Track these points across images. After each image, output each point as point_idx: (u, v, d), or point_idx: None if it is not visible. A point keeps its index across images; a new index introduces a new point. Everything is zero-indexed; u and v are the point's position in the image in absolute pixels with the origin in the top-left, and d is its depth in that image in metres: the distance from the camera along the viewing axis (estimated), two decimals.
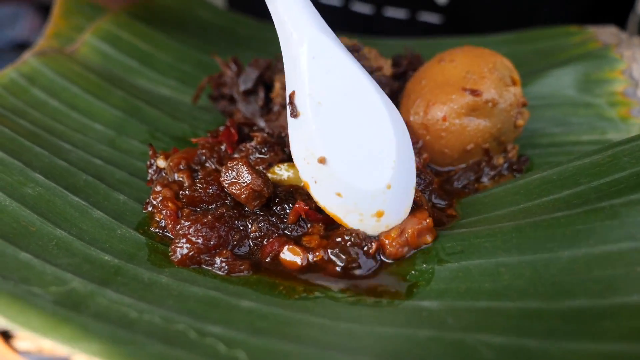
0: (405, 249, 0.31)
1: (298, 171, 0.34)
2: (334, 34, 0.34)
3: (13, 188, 0.34)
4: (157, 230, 0.34)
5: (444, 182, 0.42)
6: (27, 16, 0.99)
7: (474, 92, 0.41)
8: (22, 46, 0.94)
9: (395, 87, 0.47)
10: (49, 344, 0.23)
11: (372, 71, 0.46)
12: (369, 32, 0.70)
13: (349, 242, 0.31)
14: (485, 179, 0.43)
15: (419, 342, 0.25)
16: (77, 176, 0.37)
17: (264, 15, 0.70)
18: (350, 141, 0.32)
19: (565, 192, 0.34)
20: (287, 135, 0.42)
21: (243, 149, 0.40)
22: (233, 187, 0.32)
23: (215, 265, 0.31)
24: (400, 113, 0.43)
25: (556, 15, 0.67)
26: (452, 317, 0.27)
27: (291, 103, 0.34)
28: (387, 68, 0.47)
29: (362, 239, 0.31)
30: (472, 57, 0.43)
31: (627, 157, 0.34)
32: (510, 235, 0.31)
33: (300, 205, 0.32)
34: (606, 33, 0.58)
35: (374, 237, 0.32)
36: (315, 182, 0.33)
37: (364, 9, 0.71)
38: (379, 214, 0.32)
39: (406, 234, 0.31)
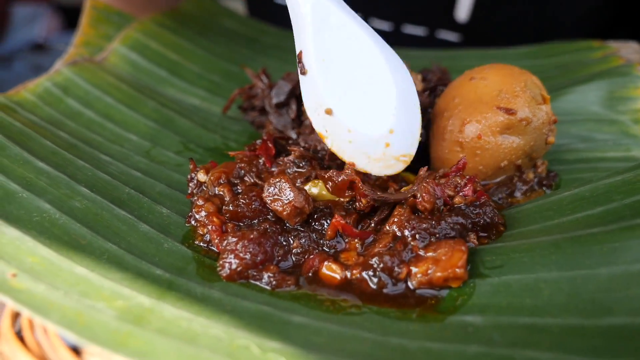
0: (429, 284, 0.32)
1: (327, 188, 0.36)
2: None
3: (62, 201, 0.35)
4: (201, 244, 0.35)
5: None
6: (45, 17, 1.01)
7: (509, 111, 0.42)
8: (39, 47, 0.95)
9: (427, 103, 0.47)
10: (118, 359, 0.24)
11: None
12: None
13: (380, 267, 0.31)
14: (517, 194, 0.44)
15: (468, 358, 0.26)
16: (120, 189, 0.38)
17: (284, 24, 0.72)
18: (353, 93, 0.36)
19: (598, 208, 0.35)
20: (323, 149, 0.43)
21: (281, 162, 0.41)
22: (275, 204, 0.33)
23: (264, 280, 0.31)
24: (433, 129, 0.45)
25: (574, 34, 0.68)
26: (498, 332, 0.28)
27: (300, 62, 0.38)
28: (418, 83, 0.48)
29: (393, 263, 0.32)
30: (504, 76, 0.44)
31: None
32: (549, 251, 0.32)
33: (337, 220, 0.33)
34: (628, 49, 0.59)
35: (406, 260, 0.32)
36: (327, 131, 0.37)
37: (383, 25, 0.73)
38: (374, 159, 0.37)
39: (433, 274, 0.31)
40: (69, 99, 0.49)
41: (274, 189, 0.34)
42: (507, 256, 0.33)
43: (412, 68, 0.64)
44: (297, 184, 0.38)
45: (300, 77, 0.38)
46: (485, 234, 0.36)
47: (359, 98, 0.36)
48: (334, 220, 0.33)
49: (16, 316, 0.26)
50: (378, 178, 0.41)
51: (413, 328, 0.29)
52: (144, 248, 0.34)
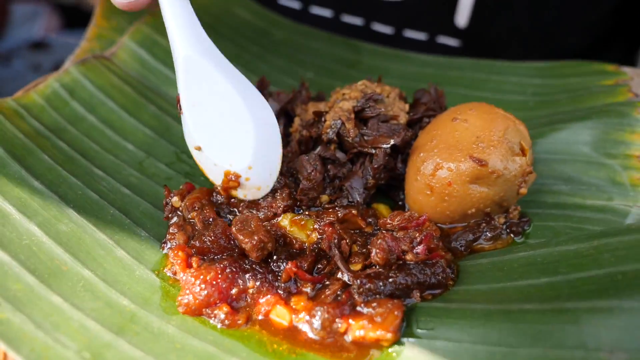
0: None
1: (298, 226, 0.39)
2: (210, 47, 0.44)
3: (50, 225, 0.39)
4: (170, 273, 0.39)
5: (443, 239, 0.44)
6: (44, 15, 1.01)
7: (480, 162, 0.42)
8: (38, 45, 0.95)
9: (409, 136, 0.48)
10: None
11: (387, 120, 0.48)
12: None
13: (323, 318, 0.34)
14: (482, 241, 0.45)
15: None
16: (105, 210, 0.42)
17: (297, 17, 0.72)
18: (218, 134, 0.43)
19: (543, 279, 0.36)
20: (308, 180, 0.45)
21: None
22: (241, 235, 0.37)
23: (217, 319, 0.35)
24: (409, 165, 0.46)
25: (573, 39, 0.66)
26: None
27: (178, 103, 0.44)
28: (403, 116, 0.48)
29: (334, 316, 0.34)
30: (485, 121, 0.44)
31: (608, 253, 0.36)
32: (479, 322, 0.34)
33: (292, 266, 0.36)
34: None
35: (346, 313, 0.35)
36: (200, 162, 0.45)
37: (385, 30, 0.72)
38: (256, 188, 0.44)
39: (366, 332, 0.34)
40: (74, 102, 0.52)
41: (243, 223, 0.37)
42: (440, 320, 0.35)
43: (412, 77, 0.64)
44: (266, 220, 0.41)
45: (181, 117, 0.45)
46: (433, 291, 0.38)
47: (223, 139, 0.43)
48: (287, 267, 0.36)
49: None
50: (346, 213, 0.43)
51: None
52: (117, 275, 0.38)
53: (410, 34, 0.73)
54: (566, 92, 0.59)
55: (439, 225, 0.45)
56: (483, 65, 0.65)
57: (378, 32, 0.72)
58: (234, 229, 0.37)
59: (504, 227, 0.45)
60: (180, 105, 0.44)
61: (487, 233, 0.45)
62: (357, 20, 0.74)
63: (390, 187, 0.49)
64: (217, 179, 0.44)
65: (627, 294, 0.32)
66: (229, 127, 0.43)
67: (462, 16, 0.70)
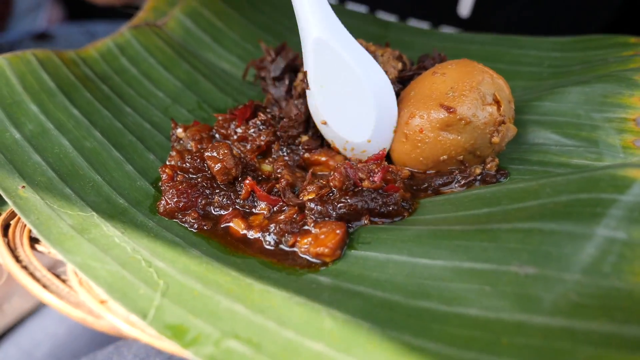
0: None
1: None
2: (338, 27, 0.46)
3: (77, 140, 0.48)
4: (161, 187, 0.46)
5: (414, 184, 0.47)
6: (47, 7, 1.05)
7: (449, 110, 0.44)
8: (41, 36, 0.95)
9: (397, 90, 0.51)
10: (54, 251, 0.36)
11: None
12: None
13: (274, 232, 0.39)
14: (455, 186, 0.47)
15: (288, 303, 0.33)
16: (125, 136, 0.50)
17: None
18: (343, 110, 0.47)
19: (484, 209, 0.38)
20: (289, 119, 0.51)
21: (251, 124, 0.49)
22: (211, 161, 0.43)
23: (187, 222, 0.41)
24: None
25: (575, 29, 0.64)
26: (330, 292, 0.35)
27: (305, 78, 0.48)
28: (393, 72, 0.52)
29: (285, 232, 0.39)
30: (462, 73, 0.46)
31: (550, 188, 0.37)
32: (408, 238, 0.37)
33: (250, 182, 0.41)
34: None
35: (296, 231, 0.39)
36: (325, 134, 0.49)
37: (389, 17, 0.76)
38: (363, 152, 0.48)
39: (310, 247, 0.38)
40: (123, 57, 0.62)
41: (215, 151, 0.43)
42: (376, 236, 0.38)
43: (433, 50, 0.67)
44: (251, 152, 0.47)
45: (307, 91, 0.49)
46: (385, 219, 0.41)
47: (346, 116, 0.47)
48: (246, 182, 0.42)
49: (13, 213, 0.40)
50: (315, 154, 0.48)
51: (274, 276, 0.37)
52: (122, 183, 0.45)
53: (413, 22, 0.76)
54: (582, 63, 0.59)
55: (414, 171, 0.48)
56: (505, 40, 0.66)
57: (382, 20, 0.76)
58: (205, 154, 0.43)
59: (479, 177, 0.47)
60: (307, 81, 0.48)
61: (460, 180, 0.46)
62: (361, 8, 0.78)
63: None
64: (340, 147, 0.49)
65: (548, 218, 0.34)
66: (352, 105, 0.47)
67: (465, 6, 0.71)
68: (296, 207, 0.41)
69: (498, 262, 0.33)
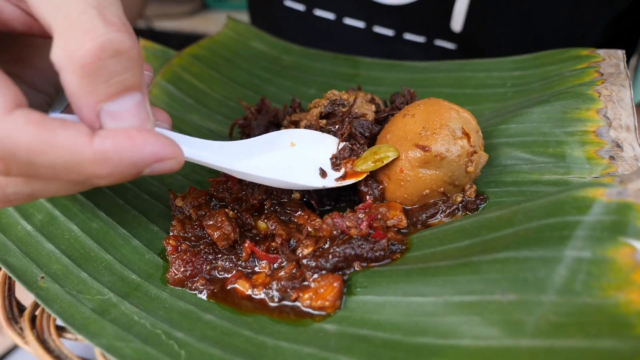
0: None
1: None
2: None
3: (84, 223, 0.51)
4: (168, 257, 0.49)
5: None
6: None
7: (424, 148, 0.48)
8: None
9: (376, 131, 0.55)
10: (81, 337, 0.39)
11: (357, 117, 0.55)
12: (390, 53, 0.78)
13: (277, 289, 0.42)
14: (440, 216, 0.50)
15: (300, 355, 0.36)
16: (128, 212, 0.54)
17: (286, 29, 0.82)
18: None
19: (465, 241, 0.42)
20: None
21: (244, 183, 0.53)
22: (210, 229, 0.46)
23: (197, 290, 0.45)
24: None
25: (566, 40, 0.68)
26: (336, 339, 0.38)
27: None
28: (370, 114, 0.56)
29: (287, 288, 0.42)
30: (430, 113, 0.50)
31: (521, 215, 0.40)
32: (401, 278, 0.40)
33: (249, 245, 0.45)
34: (612, 60, 0.59)
35: (297, 286, 0.42)
36: None
37: (386, 32, 0.80)
38: None
39: (311, 302, 0.41)
40: None
41: (212, 219, 0.47)
42: (372, 279, 0.42)
43: (405, 83, 0.71)
44: (246, 210, 0.51)
45: None
46: (377, 263, 0.44)
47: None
48: (245, 245, 0.45)
49: (37, 304, 0.43)
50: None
51: (282, 330, 0.40)
52: (131, 258, 0.49)
53: (409, 36, 0.80)
54: (541, 80, 0.63)
55: (404, 207, 0.52)
56: (468, 65, 0.70)
57: (379, 34, 0.79)
58: (204, 222, 0.47)
59: (460, 205, 0.50)
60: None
61: (444, 210, 0.50)
62: (359, 24, 0.82)
63: None
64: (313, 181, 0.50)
65: (522, 245, 0.37)
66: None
67: (457, 22, 0.76)
68: (294, 262, 0.44)
69: (482, 292, 0.36)
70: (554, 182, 0.50)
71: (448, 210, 0.50)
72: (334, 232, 0.44)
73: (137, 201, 0.56)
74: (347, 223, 0.45)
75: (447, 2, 0.74)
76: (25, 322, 0.40)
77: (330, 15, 0.84)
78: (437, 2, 0.75)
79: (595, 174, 0.50)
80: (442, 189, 0.50)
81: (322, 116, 0.55)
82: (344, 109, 0.55)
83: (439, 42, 0.79)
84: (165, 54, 0.79)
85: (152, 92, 0.73)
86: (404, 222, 0.48)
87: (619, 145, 0.51)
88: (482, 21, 0.74)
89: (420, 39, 0.79)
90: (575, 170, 0.51)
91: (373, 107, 0.57)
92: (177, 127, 0.68)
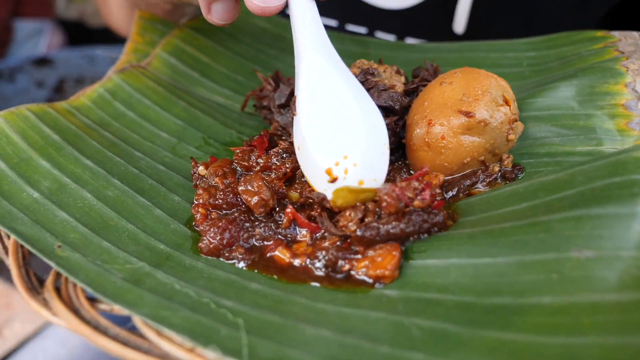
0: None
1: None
2: (331, 53, 0.47)
3: (99, 191, 0.46)
4: (196, 227, 0.45)
5: (445, 190, 0.49)
6: (48, 32, 1.07)
7: (468, 114, 0.47)
8: (41, 61, 1.00)
9: (406, 103, 0.53)
10: (118, 307, 0.34)
11: (386, 89, 0.53)
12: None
13: (326, 259, 0.39)
14: (480, 186, 0.49)
15: (368, 320, 0.34)
16: (144, 181, 0.49)
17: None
18: (329, 135, 0.45)
19: (524, 204, 0.41)
20: None
21: (271, 153, 0.50)
22: (246, 194, 0.43)
23: (235, 260, 0.41)
24: (407, 128, 0.51)
25: None
26: (403, 303, 0.35)
27: (294, 104, 0.46)
28: (400, 85, 0.54)
29: (337, 258, 0.39)
30: (469, 80, 0.49)
31: (581, 176, 0.40)
32: (464, 240, 0.38)
33: (291, 210, 0.42)
34: (628, 40, 0.60)
35: (349, 257, 0.40)
36: (304, 163, 0.45)
37: (388, 37, 0.79)
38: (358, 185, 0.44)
39: (367, 271, 0.38)
40: (116, 102, 0.61)
41: (248, 185, 0.43)
42: (430, 244, 0.40)
43: (416, 63, 0.69)
44: (276, 179, 0.47)
45: (294, 117, 0.47)
46: (437, 232, 0.42)
47: (332, 139, 0.44)
48: (287, 210, 0.42)
49: (58, 275, 0.38)
50: None
51: (340, 297, 0.37)
52: (155, 228, 0.44)
53: (411, 40, 0.79)
54: (559, 59, 0.63)
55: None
56: (481, 45, 0.70)
57: (381, 40, 0.79)
58: (239, 188, 0.43)
59: (499, 174, 0.49)
60: (294, 107, 0.47)
61: (484, 179, 0.49)
62: (361, 29, 0.81)
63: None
64: (317, 181, 0.44)
65: (593, 204, 0.36)
66: (342, 132, 0.44)
67: (459, 23, 0.75)
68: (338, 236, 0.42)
69: (557, 250, 0.35)
70: (588, 153, 0.50)
71: (488, 180, 0.49)
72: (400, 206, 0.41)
73: (152, 171, 0.52)
74: (408, 194, 0.42)
75: (449, 4, 0.74)
76: (50, 292, 0.35)
77: (332, 22, 0.83)
78: (439, 4, 0.74)
79: (627, 146, 0.50)
80: (482, 157, 0.49)
81: None
82: (375, 79, 0.53)
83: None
84: (165, 26, 0.74)
85: (152, 64, 0.68)
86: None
87: None
88: (485, 22, 0.74)
89: (422, 42, 0.79)
90: (607, 142, 0.51)
91: (402, 79, 0.55)
92: (183, 99, 0.63)
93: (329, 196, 0.43)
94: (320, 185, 0.44)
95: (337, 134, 0.44)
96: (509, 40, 0.69)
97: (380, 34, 0.79)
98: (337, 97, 0.45)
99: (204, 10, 0.49)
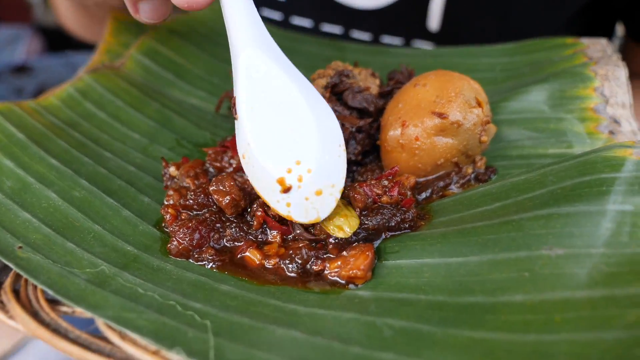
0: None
1: None
2: (272, 46, 0.42)
3: (65, 192, 0.45)
4: (166, 229, 0.44)
5: (418, 191, 0.49)
6: (26, 39, 1.03)
7: (442, 115, 0.47)
8: (20, 69, 0.97)
9: (381, 105, 0.53)
10: (80, 309, 0.33)
11: (361, 90, 0.53)
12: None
13: (298, 258, 0.39)
14: (454, 187, 0.49)
15: (340, 321, 0.33)
16: (113, 181, 0.48)
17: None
18: (277, 137, 0.40)
19: (496, 204, 0.41)
20: None
21: None
22: (217, 194, 0.42)
23: (204, 260, 0.40)
24: (381, 130, 0.51)
25: (545, 36, 0.71)
26: (375, 304, 0.35)
27: (233, 107, 0.41)
28: (375, 87, 0.54)
29: (310, 258, 0.39)
30: (443, 82, 0.49)
31: (552, 176, 0.40)
32: (436, 240, 0.38)
33: (262, 213, 0.41)
34: (596, 46, 0.61)
35: (322, 257, 0.39)
36: (251, 171, 0.41)
37: (363, 36, 0.80)
38: (306, 199, 0.39)
39: (340, 272, 0.38)
40: (87, 102, 0.59)
41: (220, 185, 0.42)
42: (403, 244, 0.39)
43: (392, 68, 0.70)
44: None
45: (235, 122, 0.43)
46: (404, 231, 0.42)
47: (281, 142, 0.40)
48: (258, 213, 0.41)
49: (18, 277, 0.36)
50: None
51: (312, 298, 0.36)
52: (123, 229, 0.43)
53: (387, 39, 0.80)
54: (530, 64, 0.64)
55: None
56: (457, 51, 0.71)
57: (357, 39, 0.79)
58: (211, 188, 0.42)
59: (472, 176, 0.50)
60: (235, 110, 0.42)
61: (458, 181, 0.49)
62: (336, 29, 0.81)
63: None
64: (268, 193, 0.40)
65: (563, 202, 0.36)
66: (289, 130, 0.40)
67: (434, 21, 0.76)
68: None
69: (529, 248, 0.35)
70: (560, 155, 0.51)
71: (461, 181, 0.49)
72: (368, 201, 0.41)
73: (121, 172, 0.50)
74: (376, 190, 0.42)
75: (423, 1, 0.75)
76: (7, 294, 0.34)
77: (307, 23, 0.83)
78: (414, 2, 0.75)
79: (597, 147, 0.50)
80: (455, 158, 0.49)
81: (327, 86, 0.52)
82: (350, 80, 0.53)
83: (417, 43, 0.80)
84: (139, 27, 0.73)
85: (126, 65, 0.67)
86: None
87: (616, 121, 0.52)
88: (459, 18, 0.76)
89: (397, 40, 0.80)
90: (577, 144, 0.52)
91: (377, 81, 0.55)
92: (157, 101, 0.62)
93: (282, 209, 0.40)
94: (272, 197, 0.40)
95: (286, 136, 0.39)
96: (483, 46, 0.70)
97: (356, 33, 0.80)
98: (282, 96, 0.40)
99: (131, 10, 0.44)
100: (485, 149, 0.51)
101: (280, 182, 0.39)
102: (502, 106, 0.56)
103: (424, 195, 0.47)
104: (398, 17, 0.77)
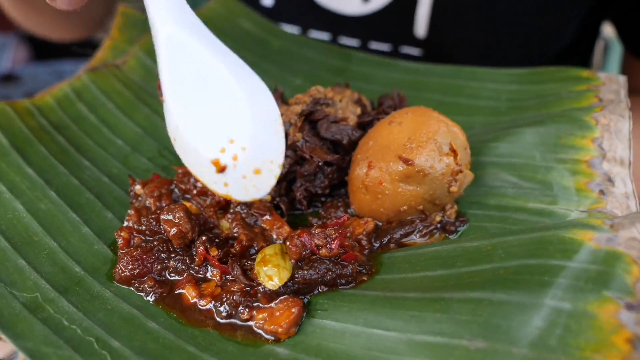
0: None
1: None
2: (196, 23, 0.40)
3: (32, 203, 0.47)
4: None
5: (376, 237, 0.47)
6: (12, 47, 1.02)
7: (407, 162, 0.45)
8: (7, 78, 0.96)
9: (356, 137, 0.51)
10: (5, 337, 0.35)
11: (337, 121, 0.51)
12: None
13: (227, 302, 0.39)
14: (415, 236, 0.47)
15: None
16: (82, 194, 0.49)
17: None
18: (206, 117, 0.38)
19: (439, 271, 0.39)
20: None
21: None
22: (166, 224, 0.42)
23: (144, 292, 0.41)
24: (351, 165, 0.50)
25: (531, 43, 0.67)
26: None
27: (159, 89, 0.40)
28: (353, 118, 0.52)
29: (240, 304, 0.39)
30: (418, 123, 0.47)
31: (502, 250, 0.37)
32: (364, 305, 0.37)
33: (202, 251, 0.41)
34: (612, 85, 0.56)
35: (251, 305, 0.39)
36: (185, 155, 0.39)
37: (351, 42, 0.79)
38: (244, 177, 0.38)
39: (264, 324, 0.37)
40: (80, 103, 0.61)
41: (170, 214, 0.43)
42: (334, 303, 0.38)
43: (396, 84, 0.67)
44: (211, 207, 0.47)
45: (163, 105, 0.41)
46: (343, 287, 0.41)
47: (211, 123, 0.38)
48: (199, 250, 0.41)
49: None
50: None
51: (230, 349, 0.37)
52: (78, 247, 0.45)
53: (375, 45, 0.78)
54: (537, 97, 0.60)
55: (378, 223, 0.48)
56: (463, 72, 0.66)
57: (345, 46, 0.77)
58: (162, 217, 0.43)
59: (439, 225, 0.47)
60: (160, 91, 0.41)
61: (421, 230, 0.47)
62: (324, 35, 0.80)
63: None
64: (205, 175, 0.38)
65: (499, 287, 0.34)
66: (218, 109, 0.38)
67: (421, 27, 0.74)
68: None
69: (450, 335, 0.33)
70: (539, 211, 0.47)
71: (425, 230, 0.47)
72: (303, 253, 0.41)
73: (94, 183, 0.52)
74: (316, 241, 0.41)
75: (409, 8, 0.73)
76: None
77: (295, 29, 0.81)
78: (400, 9, 0.74)
79: (582, 208, 0.47)
80: (421, 206, 0.47)
81: (302, 114, 0.51)
82: (327, 109, 0.51)
83: (405, 49, 0.77)
84: (145, 24, 0.73)
85: (128, 64, 0.68)
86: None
87: (610, 180, 0.48)
88: (446, 25, 0.74)
89: (385, 47, 0.78)
90: (562, 200, 0.48)
91: (358, 110, 0.53)
92: (148, 105, 0.63)
93: (220, 189, 0.38)
94: (209, 178, 0.38)
95: (217, 115, 0.38)
96: (491, 69, 0.65)
97: (344, 40, 0.79)
98: (208, 74, 0.38)
99: None
100: (457, 197, 0.48)
101: (215, 163, 0.37)
102: (491, 146, 0.53)
103: (379, 243, 0.46)
104: (385, 24, 0.76)
